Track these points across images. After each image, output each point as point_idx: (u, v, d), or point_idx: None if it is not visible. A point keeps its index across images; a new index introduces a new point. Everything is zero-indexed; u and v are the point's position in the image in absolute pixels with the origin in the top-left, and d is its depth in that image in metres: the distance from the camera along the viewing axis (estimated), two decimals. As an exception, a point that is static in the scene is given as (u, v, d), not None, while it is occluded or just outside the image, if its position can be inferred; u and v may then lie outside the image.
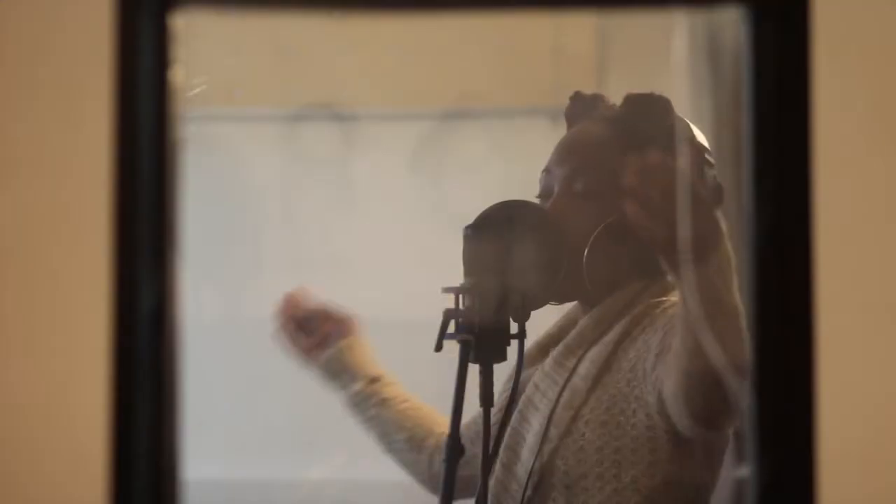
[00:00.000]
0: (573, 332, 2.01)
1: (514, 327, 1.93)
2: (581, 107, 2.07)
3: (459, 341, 1.88)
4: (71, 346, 1.32)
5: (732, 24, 1.33)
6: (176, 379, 1.31)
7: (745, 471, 1.34)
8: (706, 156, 2.01)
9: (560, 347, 2.00)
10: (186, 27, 1.32)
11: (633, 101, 2.04)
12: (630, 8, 2.00)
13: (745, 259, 1.34)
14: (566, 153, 2.04)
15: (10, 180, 1.33)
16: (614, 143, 2.00)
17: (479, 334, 1.87)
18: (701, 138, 2.02)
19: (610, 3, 1.86)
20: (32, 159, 1.33)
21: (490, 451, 1.89)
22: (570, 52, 3.38)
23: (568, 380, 1.96)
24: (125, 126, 1.31)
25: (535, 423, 1.96)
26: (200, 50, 1.40)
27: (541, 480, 1.93)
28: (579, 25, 3.42)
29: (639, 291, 1.99)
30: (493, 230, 1.94)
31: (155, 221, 1.30)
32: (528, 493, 1.93)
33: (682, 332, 1.70)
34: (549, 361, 1.99)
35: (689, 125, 2.02)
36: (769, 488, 1.30)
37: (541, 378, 1.99)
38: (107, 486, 1.30)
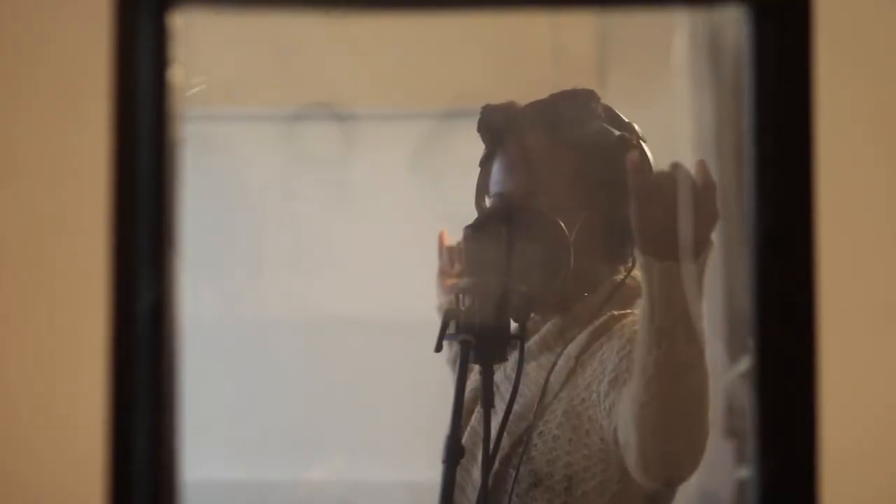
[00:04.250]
0: (536, 338, 2.00)
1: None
2: (497, 118, 2.04)
3: (459, 342, 1.88)
4: (69, 346, 1.31)
5: (733, 24, 1.33)
6: (175, 379, 1.31)
7: (747, 472, 1.34)
8: (638, 132, 2.01)
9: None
10: (185, 27, 1.32)
11: (557, 99, 2.02)
12: (631, 7, 1.99)
13: (746, 259, 1.33)
14: (521, 174, 2.01)
15: (10, 179, 1.32)
16: (560, 152, 1.99)
17: (480, 334, 1.87)
18: (626, 119, 2.02)
19: (610, 3, 1.86)
20: (31, 159, 1.33)
21: (490, 451, 1.89)
22: (571, 51, 3.38)
23: (526, 386, 1.95)
24: (124, 126, 1.31)
25: (493, 428, 1.95)
26: (199, 49, 1.40)
27: (494, 486, 1.92)
28: (579, 25, 3.42)
29: (602, 302, 1.98)
30: (494, 230, 1.93)
31: (154, 221, 1.30)
32: (482, 497, 1.92)
33: (640, 363, 1.71)
34: (509, 364, 1.98)
35: (613, 110, 2.01)
36: (770, 489, 1.30)
37: (501, 380, 1.99)
38: (106, 487, 1.29)
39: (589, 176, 1.96)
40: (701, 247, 1.69)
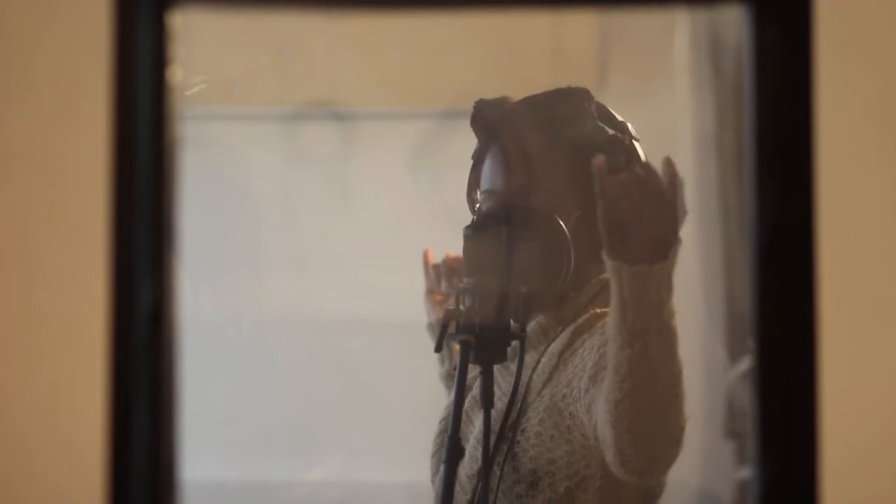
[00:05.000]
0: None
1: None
2: (489, 114, 2.03)
3: (460, 342, 1.87)
4: (69, 346, 1.31)
5: (734, 23, 1.33)
6: (174, 379, 1.30)
7: (748, 472, 1.34)
8: (631, 131, 2.00)
9: (508, 351, 1.98)
10: (185, 25, 1.32)
11: (550, 97, 2.02)
12: (631, 7, 1.99)
13: (747, 259, 1.33)
14: (511, 172, 2.01)
15: (8, 180, 1.32)
16: (552, 150, 1.98)
17: (480, 335, 1.87)
18: (620, 118, 2.01)
19: (611, 2, 1.86)
20: (30, 158, 1.32)
21: (490, 452, 1.89)
22: (571, 51, 3.37)
23: (512, 385, 1.95)
24: (123, 125, 1.30)
25: (478, 426, 1.95)
26: (199, 48, 1.39)
27: (480, 484, 1.92)
28: (580, 24, 3.42)
29: (588, 301, 1.98)
30: (493, 230, 1.92)
31: (153, 220, 1.29)
32: (469, 496, 1.92)
33: (613, 362, 1.70)
34: (516, 366, 1.97)
35: (607, 109, 2.01)
36: (771, 490, 1.29)
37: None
38: (104, 488, 1.29)
39: (581, 175, 1.95)
40: (669, 246, 1.68)
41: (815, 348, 1.29)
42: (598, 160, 1.67)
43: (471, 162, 2.08)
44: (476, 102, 2.04)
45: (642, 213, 1.65)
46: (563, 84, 2.05)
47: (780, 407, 1.29)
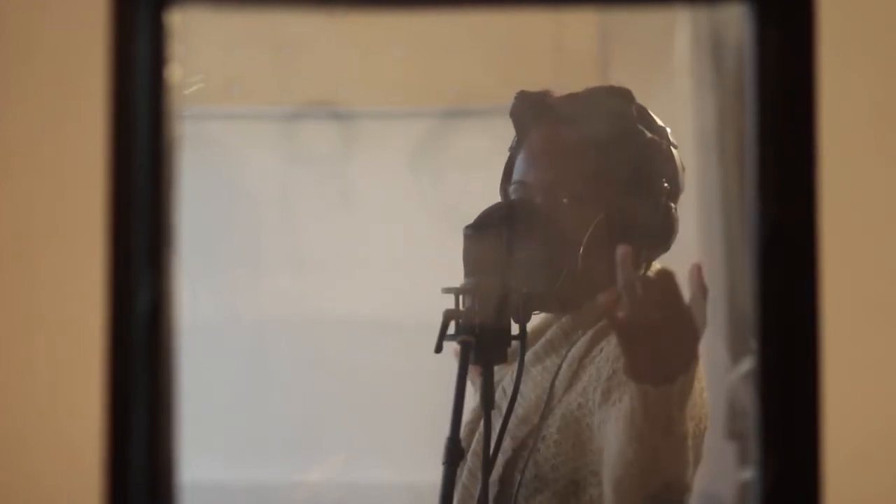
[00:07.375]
0: (542, 340, 1.99)
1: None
2: (529, 106, 2.02)
3: (460, 342, 1.87)
4: (67, 347, 1.31)
5: (735, 22, 1.33)
6: (173, 380, 1.30)
7: (750, 473, 1.33)
8: (669, 137, 2.00)
9: (529, 355, 1.97)
10: (183, 24, 1.31)
11: (592, 95, 2.02)
12: (632, 5, 1.99)
13: (749, 260, 1.33)
14: (544, 164, 2.01)
15: (5, 179, 1.32)
16: (585, 148, 1.98)
17: (480, 335, 1.86)
18: (660, 122, 2.01)
19: (612, 1, 1.86)
20: (27, 158, 1.32)
21: (490, 453, 1.88)
22: (572, 49, 3.37)
23: (531, 390, 1.95)
24: (121, 124, 1.30)
25: (497, 430, 1.94)
26: (198, 47, 1.39)
27: (500, 491, 1.91)
28: (581, 23, 3.42)
29: None
30: (494, 230, 1.92)
31: (151, 220, 1.29)
32: (482, 499, 1.91)
33: (627, 436, 1.70)
34: (517, 367, 1.97)
35: (647, 112, 2.00)
36: (774, 491, 1.29)
37: (508, 384, 1.98)
38: (103, 489, 1.29)
39: (612, 175, 1.95)
40: (690, 362, 1.62)
41: (816, 349, 1.29)
42: (622, 251, 1.59)
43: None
44: (517, 94, 2.04)
45: (667, 330, 1.57)
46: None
47: (781, 408, 1.29)
